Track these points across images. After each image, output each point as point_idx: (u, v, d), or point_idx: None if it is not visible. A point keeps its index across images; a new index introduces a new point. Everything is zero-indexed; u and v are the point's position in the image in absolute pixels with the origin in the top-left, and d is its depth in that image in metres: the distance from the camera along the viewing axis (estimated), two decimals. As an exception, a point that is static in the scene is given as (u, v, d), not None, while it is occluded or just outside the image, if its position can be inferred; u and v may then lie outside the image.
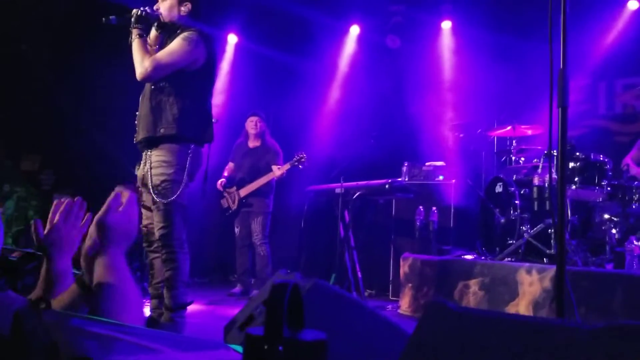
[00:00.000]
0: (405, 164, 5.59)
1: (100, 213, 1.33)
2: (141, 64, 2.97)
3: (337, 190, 4.93)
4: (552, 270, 3.43)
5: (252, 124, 5.64)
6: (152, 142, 3.07)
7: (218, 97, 6.60)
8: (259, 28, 6.76)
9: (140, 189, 3.23)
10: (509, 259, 4.29)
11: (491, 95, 5.98)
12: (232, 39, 7.09)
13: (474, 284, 3.98)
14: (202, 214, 5.92)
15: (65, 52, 6.24)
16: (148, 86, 3.10)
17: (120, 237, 1.33)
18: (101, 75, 5.90)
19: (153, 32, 3.18)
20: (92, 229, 1.33)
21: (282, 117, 6.67)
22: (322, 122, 6.93)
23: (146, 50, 3.02)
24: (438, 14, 6.61)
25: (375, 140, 5.47)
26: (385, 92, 6.56)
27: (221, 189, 5.68)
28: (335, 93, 7.04)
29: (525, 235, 4.30)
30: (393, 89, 6.52)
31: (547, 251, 4.16)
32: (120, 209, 1.34)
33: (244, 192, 5.56)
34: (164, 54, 3.03)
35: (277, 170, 5.39)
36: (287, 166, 5.38)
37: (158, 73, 3.00)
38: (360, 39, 7.00)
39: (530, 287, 3.59)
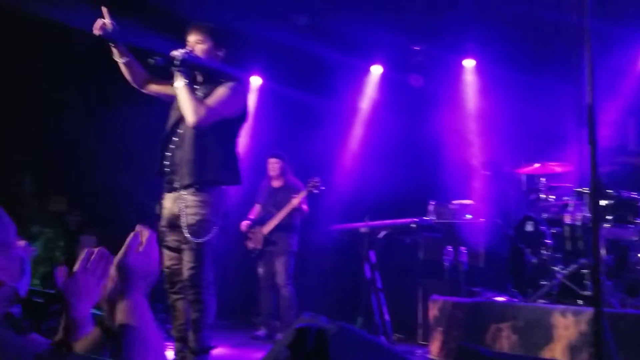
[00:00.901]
0: (432, 203, 5.49)
1: (119, 255, 1.31)
2: (196, 112, 3.01)
3: (362, 230, 4.86)
4: (588, 313, 3.29)
5: (270, 166, 5.67)
6: (191, 185, 3.08)
7: (241, 138, 6.66)
8: (282, 69, 6.85)
9: (163, 229, 3.21)
10: (542, 300, 4.14)
11: (518, 132, 5.90)
12: (255, 80, 7.21)
13: (506, 328, 3.84)
14: (224, 254, 5.88)
15: (92, 94, 6.40)
16: (190, 131, 3.11)
17: (141, 278, 1.31)
18: (127, 116, 6.01)
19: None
20: (112, 272, 1.31)
21: (306, 157, 6.68)
22: (346, 161, 6.92)
23: (196, 97, 3.08)
24: (461, 53, 6.63)
25: (399, 178, 5.42)
26: (409, 130, 6.53)
27: (246, 230, 5.66)
28: (358, 132, 7.05)
29: (559, 275, 4.16)
30: (417, 126, 6.49)
31: (582, 292, 4.01)
32: (140, 249, 1.32)
33: (266, 229, 5.53)
34: (215, 102, 3.10)
35: (295, 200, 5.38)
36: (303, 193, 5.42)
37: (210, 120, 3.07)
38: (383, 77, 7.04)
39: (566, 330, 3.44)
